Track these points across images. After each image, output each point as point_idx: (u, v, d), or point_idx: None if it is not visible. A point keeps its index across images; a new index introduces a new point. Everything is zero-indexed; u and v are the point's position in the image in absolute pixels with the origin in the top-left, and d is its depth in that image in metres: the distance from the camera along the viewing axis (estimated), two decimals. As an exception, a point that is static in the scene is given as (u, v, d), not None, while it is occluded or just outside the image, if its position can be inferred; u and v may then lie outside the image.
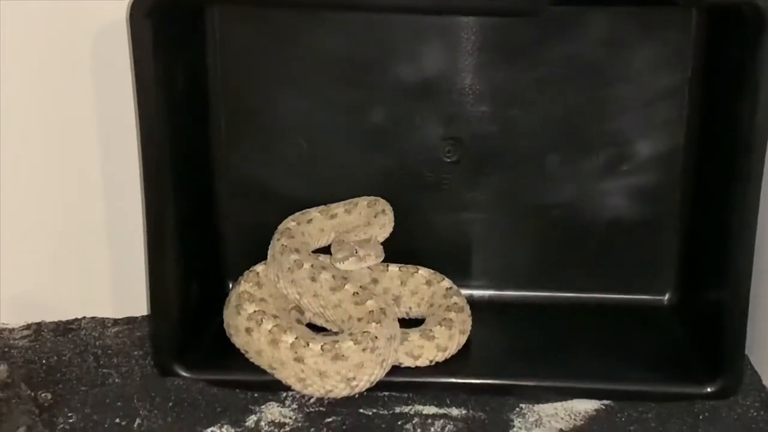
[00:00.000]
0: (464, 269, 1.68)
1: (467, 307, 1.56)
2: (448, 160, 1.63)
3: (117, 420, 1.39)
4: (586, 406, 1.44)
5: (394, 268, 1.60)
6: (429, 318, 1.56)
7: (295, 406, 1.43)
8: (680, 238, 1.64)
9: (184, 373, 1.48)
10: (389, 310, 1.48)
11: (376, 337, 1.42)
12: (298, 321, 1.54)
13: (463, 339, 1.53)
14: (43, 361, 1.54)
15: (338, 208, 1.62)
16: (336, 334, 1.49)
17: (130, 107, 1.53)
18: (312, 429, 1.39)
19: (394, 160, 1.64)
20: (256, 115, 1.62)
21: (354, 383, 1.42)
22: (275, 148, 1.63)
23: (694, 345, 1.55)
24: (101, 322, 1.66)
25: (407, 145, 1.63)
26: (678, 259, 1.65)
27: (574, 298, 1.69)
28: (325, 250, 1.59)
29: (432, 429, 1.38)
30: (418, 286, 1.60)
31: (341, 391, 1.42)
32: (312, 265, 1.51)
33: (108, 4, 1.53)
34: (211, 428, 1.38)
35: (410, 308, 1.60)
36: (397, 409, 1.43)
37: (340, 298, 1.49)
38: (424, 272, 1.60)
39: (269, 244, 1.57)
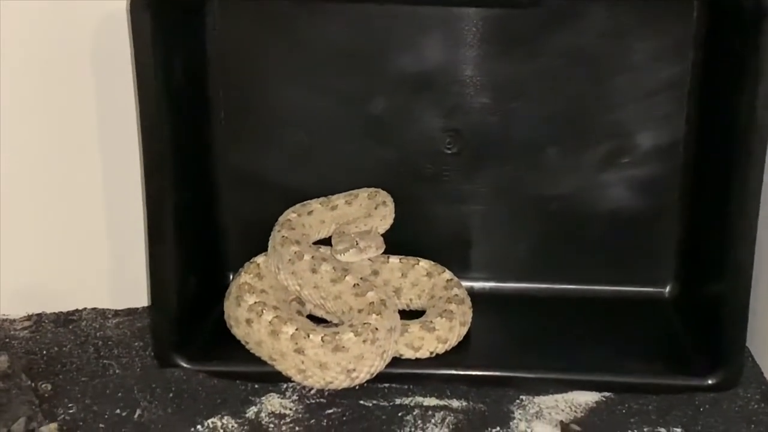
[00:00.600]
0: (464, 261, 1.68)
1: (468, 299, 1.56)
2: (449, 152, 1.63)
3: (117, 411, 1.40)
4: (587, 398, 1.44)
5: (394, 259, 1.60)
6: (429, 310, 1.56)
7: (295, 397, 1.43)
8: (681, 229, 1.64)
9: (184, 364, 1.48)
10: (390, 302, 1.48)
11: (377, 329, 1.42)
12: (299, 312, 1.54)
13: (464, 331, 1.53)
14: (44, 352, 1.54)
15: (339, 199, 1.62)
16: (336, 325, 1.49)
17: (131, 98, 1.53)
18: (312, 420, 1.39)
19: (395, 151, 1.64)
20: (256, 107, 1.62)
21: (354, 375, 1.42)
22: (275, 140, 1.63)
23: (695, 337, 1.55)
24: (102, 313, 1.66)
25: (407, 136, 1.63)
26: (679, 251, 1.65)
27: (574, 290, 1.69)
28: (326, 241, 1.60)
29: (432, 421, 1.39)
30: (419, 277, 1.60)
31: (341, 382, 1.42)
32: (312, 257, 1.51)
33: (108, -4, 1.54)
34: (212, 419, 1.38)
35: (411, 300, 1.60)
36: (398, 401, 1.43)
37: (340, 290, 1.49)
38: (424, 264, 1.60)
39: (270, 235, 1.57)
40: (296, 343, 1.41)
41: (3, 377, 1.43)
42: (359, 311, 1.46)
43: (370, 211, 1.60)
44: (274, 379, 1.45)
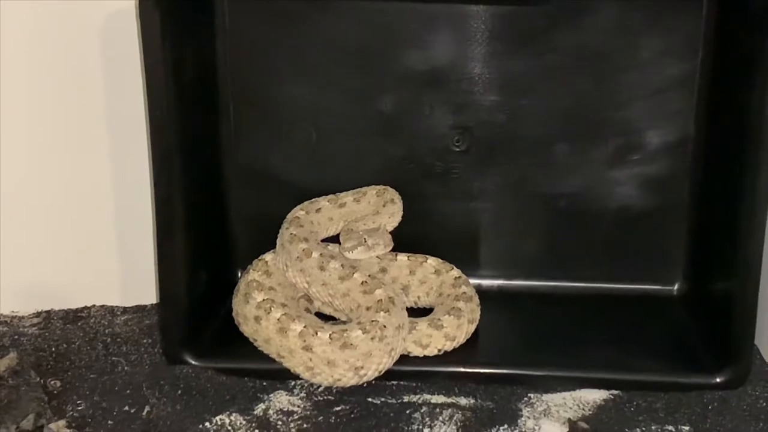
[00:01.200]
0: (473, 258, 1.68)
1: (476, 297, 1.56)
2: (457, 149, 1.63)
3: (126, 408, 1.40)
4: (595, 395, 1.44)
5: (402, 257, 1.60)
6: (438, 307, 1.56)
7: (303, 394, 1.43)
8: (690, 227, 1.64)
9: (192, 361, 1.49)
10: (398, 300, 1.48)
11: (385, 326, 1.42)
12: (307, 310, 1.54)
13: (472, 328, 1.53)
14: (53, 349, 1.54)
15: (347, 197, 1.62)
16: (344, 323, 1.49)
17: (140, 95, 1.53)
18: (320, 417, 1.39)
19: (404, 149, 1.64)
20: (265, 104, 1.62)
21: (362, 372, 1.42)
22: (284, 137, 1.63)
23: (703, 335, 1.54)
24: (110, 310, 1.67)
25: (416, 134, 1.63)
26: (687, 249, 1.65)
27: (583, 287, 1.68)
28: (334, 239, 1.60)
29: (440, 418, 1.38)
30: (427, 275, 1.60)
31: (349, 380, 1.42)
32: (321, 254, 1.51)
33: (117, -8, 1.54)
34: (220, 416, 1.38)
35: (419, 297, 1.60)
36: (406, 398, 1.43)
37: (348, 287, 1.49)
38: (432, 261, 1.60)
39: (278, 232, 1.57)
40: (304, 341, 1.42)
41: (12, 374, 1.44)
42: (367, 309, 1.46)
43: (379, 208, 1.60)
44: (283, 377, 1.45)
